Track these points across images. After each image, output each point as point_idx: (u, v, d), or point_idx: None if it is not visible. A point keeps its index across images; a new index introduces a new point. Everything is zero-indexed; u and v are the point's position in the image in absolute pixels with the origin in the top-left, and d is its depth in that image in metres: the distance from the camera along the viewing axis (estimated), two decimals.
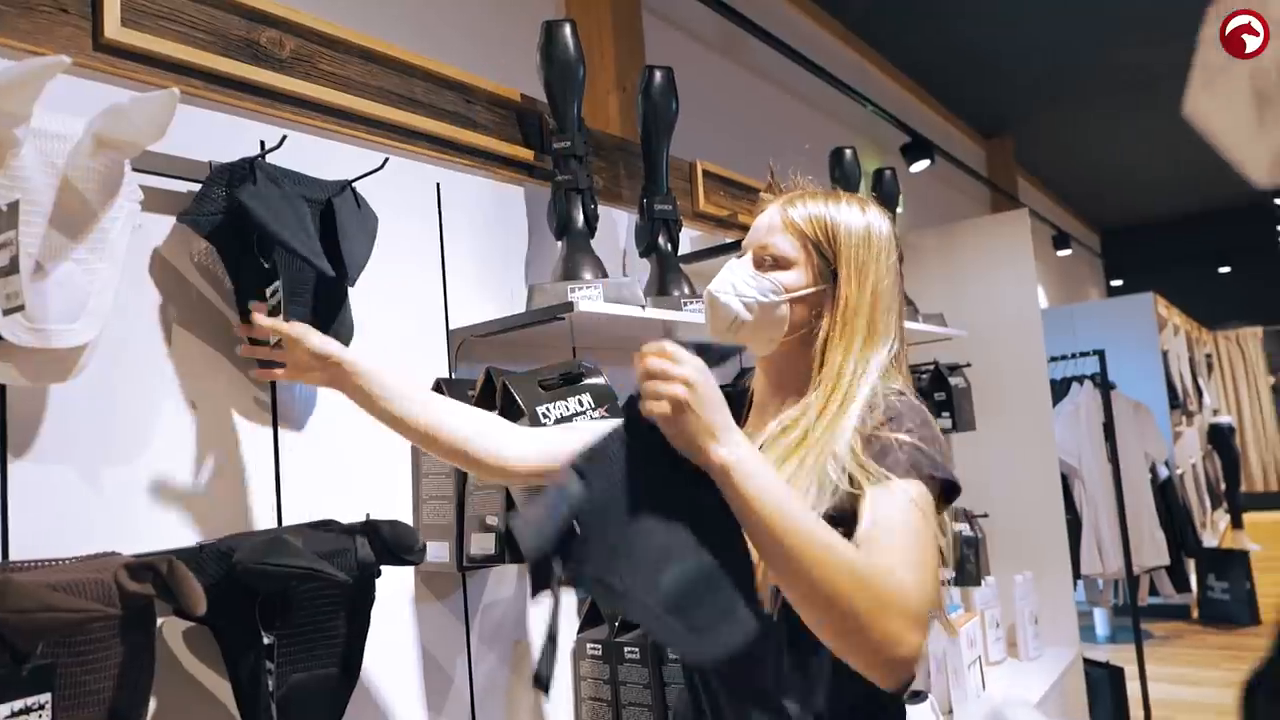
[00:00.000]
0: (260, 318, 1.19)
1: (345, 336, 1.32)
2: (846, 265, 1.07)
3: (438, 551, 1.47)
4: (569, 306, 1.50)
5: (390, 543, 1.21)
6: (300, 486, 1.35)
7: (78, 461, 1.13)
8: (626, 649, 1.65)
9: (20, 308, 0.95)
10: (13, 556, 1.06)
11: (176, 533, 1.21)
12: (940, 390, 2.78)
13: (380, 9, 1.74)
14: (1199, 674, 4.39)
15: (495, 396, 1.45)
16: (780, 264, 1.10)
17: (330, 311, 1.30)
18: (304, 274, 1.26)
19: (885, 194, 2.96)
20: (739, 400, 1.20)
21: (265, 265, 1.23)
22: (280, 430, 1.34)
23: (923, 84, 5.47)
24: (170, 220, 1.25)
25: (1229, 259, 8.94)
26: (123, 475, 1.17)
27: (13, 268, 0.95)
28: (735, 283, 1.10)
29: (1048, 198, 8.08)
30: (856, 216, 1.10)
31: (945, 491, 0.98)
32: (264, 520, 1.30)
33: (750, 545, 0.86)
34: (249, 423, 1.31)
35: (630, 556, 0.83)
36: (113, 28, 1.19)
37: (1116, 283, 9.25)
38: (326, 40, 1.47)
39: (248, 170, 1.21)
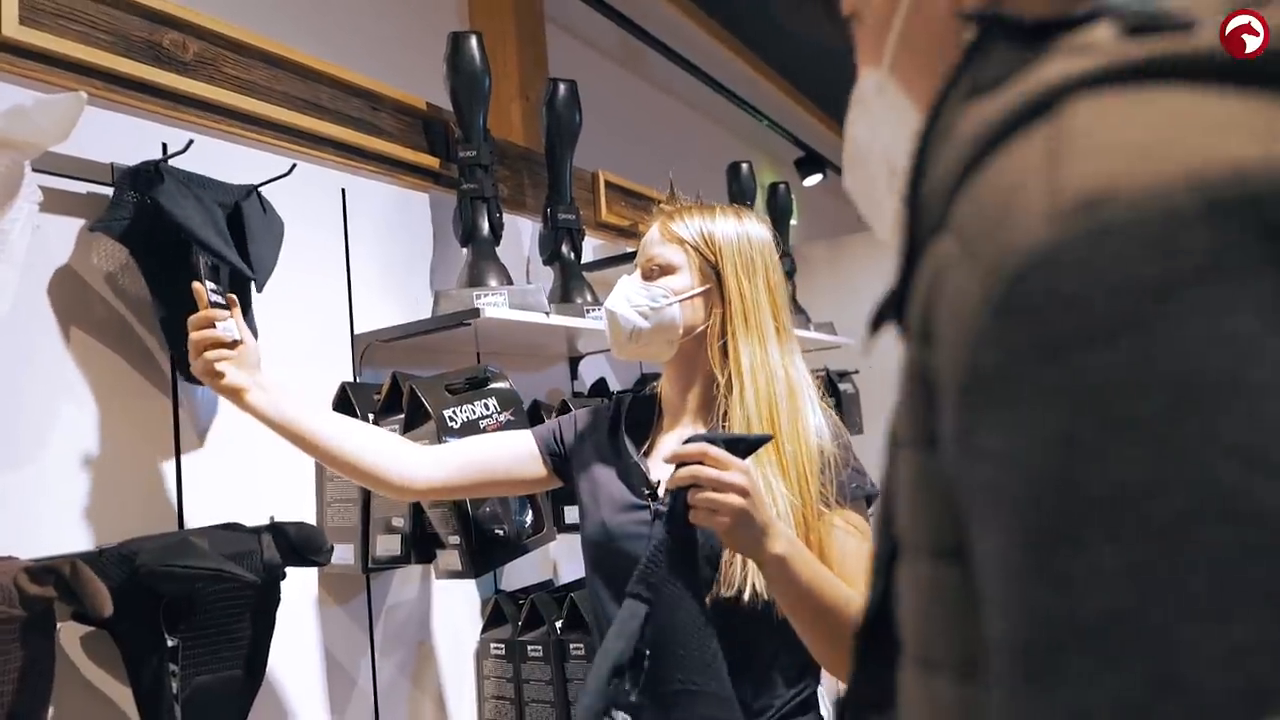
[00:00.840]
0: (238, 314, 1.16)
1: None
2: (730, 262, 1.15)
3: (343, 553, 1.49)
4: (475, 312, 1.53)
5: (297, 544, 1.23)
6: (202, 490, 1.35)
7: None
8: (529, 647, 1.69)
9: None
10: None
11: (75, 537, 1.20)
12: (830, 396, 2.91)
13: (284, 15, 1.73)
14: None
15: (402, 400, 1.47)
16: (666, 271, 1.18)
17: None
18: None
19: (780, 207, 3.09)
20: (649, 405, 1.26)
21: (210, 264, 1.22)
22: (181, 433, 1.34)
23: (815, 100, 5.67)
24: (70, 221, 1.24)
25: None
26: (19, 479, 1.15)
27: None
28: (628, 295, 1.18)
29: None
30: (733, 223, 1.19)
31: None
32: (165, 524, 1.30)
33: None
34: (150, 425, 1.30)
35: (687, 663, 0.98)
36: (10, 26, 1.17)
37: None
38: (231, 44, 1.47)
39: (154, 173, 1.21)
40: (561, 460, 1.27)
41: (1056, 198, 0.27)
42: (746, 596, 1.02)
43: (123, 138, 1.31)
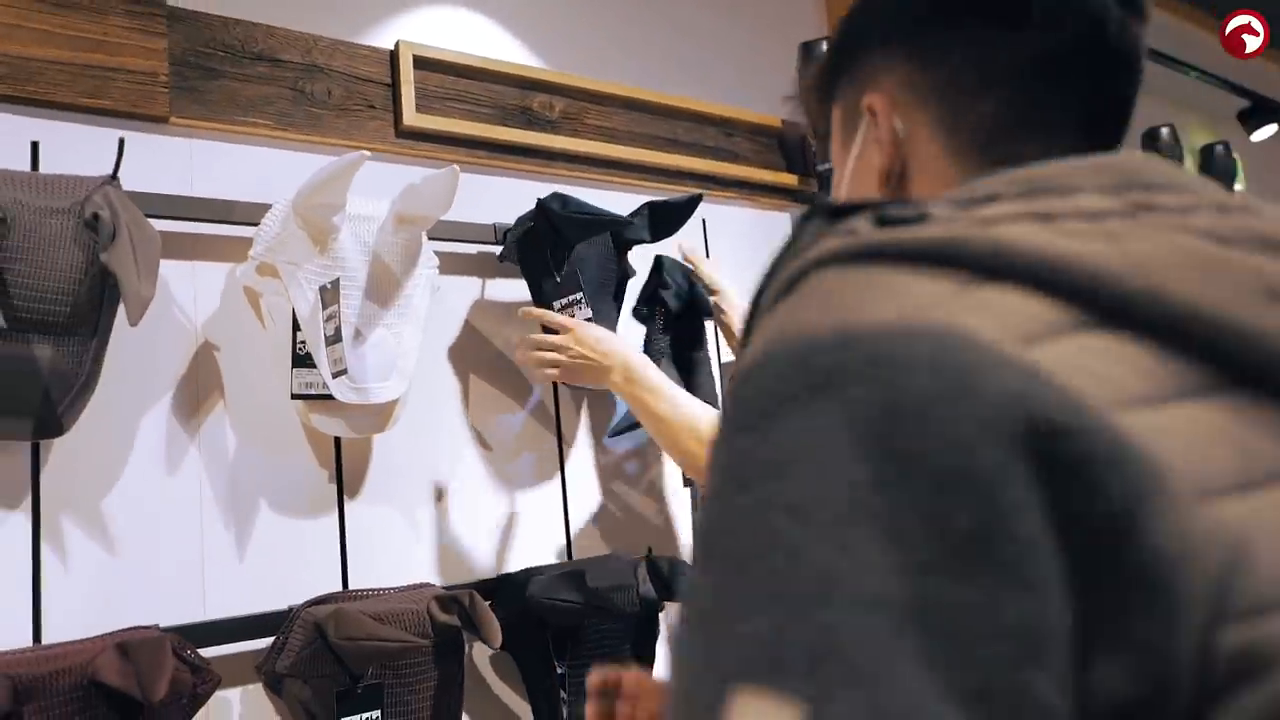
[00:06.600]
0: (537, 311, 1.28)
1: None
2: None
3: None
4: None
5: (668, 579, 1.24)
6: (583, 523, 1.43)
7: (397, 502, 1.28)
8: None
9: (345, 371, 1.09)
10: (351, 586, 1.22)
11: (479, 565, 1.33)
12: None
13: (638, 59, 1.79)
14: None
15: None
16: None
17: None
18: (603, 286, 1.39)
19: (1221, 171, 2.73)
20: None
21: (557, 279, 1.33)
22: (566, 468, 1.43)
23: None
24: (466, 280, 1.38)
25: None
26: (432, 513, 1.31)
27: (337, 337, 1.09)
28: None
29: None
30: None
31: None
32: (556, 555, 1.39)
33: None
34: (541, 465, 1.41)
35: None
36: (410, 115, 1.34)
37: None
38: (592, 96, 1.56)
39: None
40: None
41: (769, 335, 0.36)
42: None
43: (502, 199, 1.44)
